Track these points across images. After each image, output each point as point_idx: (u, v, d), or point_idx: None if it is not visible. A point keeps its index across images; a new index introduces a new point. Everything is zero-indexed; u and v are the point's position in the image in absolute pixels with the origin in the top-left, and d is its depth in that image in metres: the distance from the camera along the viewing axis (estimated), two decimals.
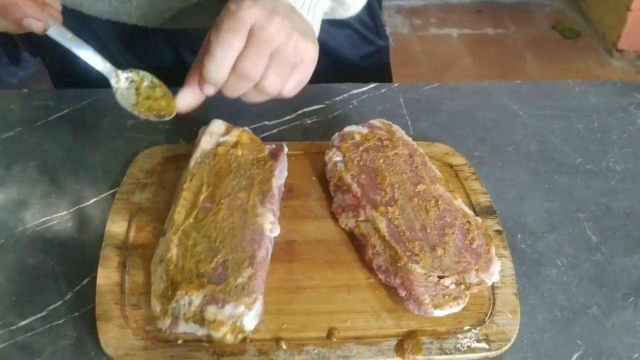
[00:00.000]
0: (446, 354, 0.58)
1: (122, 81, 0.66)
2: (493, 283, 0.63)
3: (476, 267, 0.61)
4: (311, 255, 0.65)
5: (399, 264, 0.60)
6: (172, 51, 0.91)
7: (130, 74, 0.66)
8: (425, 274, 0.60)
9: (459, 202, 0.66)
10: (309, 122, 0.82)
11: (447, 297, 0.59)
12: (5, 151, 0.76)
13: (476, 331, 0.60)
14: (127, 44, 0.89)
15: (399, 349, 0.58)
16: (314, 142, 0.78)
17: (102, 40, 0.85)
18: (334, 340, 0.59)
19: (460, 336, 0.59)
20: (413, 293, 0.59)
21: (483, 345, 0.59)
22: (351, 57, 0.96)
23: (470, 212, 0.66)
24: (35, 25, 0.60)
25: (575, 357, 0.60)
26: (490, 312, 0.61)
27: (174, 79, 0.68)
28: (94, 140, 0.78)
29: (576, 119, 0.85)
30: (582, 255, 0.68)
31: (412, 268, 0.60)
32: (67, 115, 0.82)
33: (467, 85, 0.90)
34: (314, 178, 0.74)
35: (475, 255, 0.62)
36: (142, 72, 0.67)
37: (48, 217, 0.69)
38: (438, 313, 0.58)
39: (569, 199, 0.74)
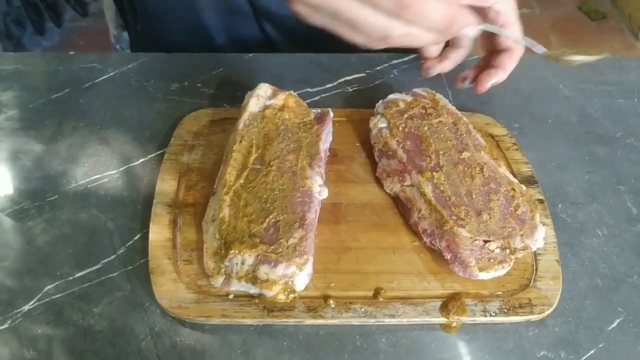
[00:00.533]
0: (490, 315, 0.60)
1: None
2: (536, 250, 0.64)
3: (521, 233, 0.62)
4: (357, 218, 0.67)
5: (445, 228, 0.61)
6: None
7: None
8: (471, 237, 0.61)
9: (504, 170, 0.67)
10: (350, 90, 0.83)
11: (492, 260, 0.60)
12: (55, 111, 0.78)
13: (519, 295, 0.61)
14: None
15: (444, 309, 0.60)
16: (357, 109, 0.79)
17: None
18: (381, 299, 0.60)
19: (503, 299, 0.61)
20: (459, 256, 0.60)
21: (526, 309, 0.60)
22: None
23: (514, 180, 0.67)
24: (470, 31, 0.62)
25: (616, 322, 0.61)
26: (533, 277, 0.63)
27: None
28: (141, 103, 0.80)
29: (617, 94, 0.85)
30: (623, 225, 0.69)
31: (458, 232, 0.61)
32: (114, 78, 0.83)
33: None
34: (357, 144, 0.75)
35: (520, 221, 0.63)
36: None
37: (99, 175, 0.71)
38: (483, 276, 0.60)
39: (609, 170, 0.75)
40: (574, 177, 0.74)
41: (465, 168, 0.66)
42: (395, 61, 0.88)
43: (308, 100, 0.81)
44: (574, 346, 0.59)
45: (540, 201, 0.69)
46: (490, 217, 0.62)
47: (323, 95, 0.83)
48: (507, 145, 0.75)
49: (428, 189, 0.64)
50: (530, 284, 0.62)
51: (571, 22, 2.96)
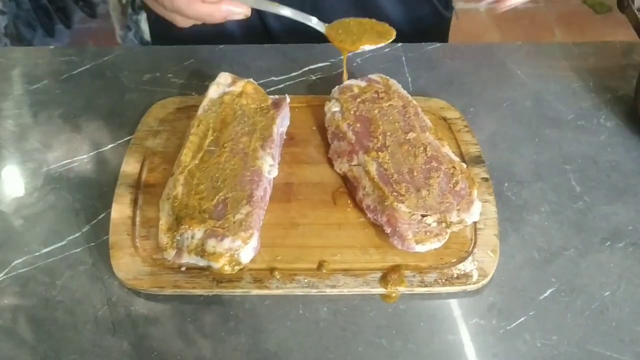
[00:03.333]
0: (427, 286, 0.63)
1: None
2: (476, 225, 0.67)
3: (458, 208, 0.65)
4: (307, 196, 0.71)
5: (386, 203, 0.65)
6: None
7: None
8: (409, 212, 0.64)
9: (446, 149, 0.71)
10: (314, 78, 0.87)
11: (428, 233, 0.64)
12: (33, 101, 0.83)
13: (457, 267, 0.64)
14: None
15: (383, 280, 0.63)
16: (317, 95, 0.82)
17: None
18: (324, 271, 0.64)
19: (441, 271, 0.64)
20: (397, 229, 0.64)
21: (462, 279, 0.63)
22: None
23: (456, 159, 0.70)
24: (239, 17, 0.64)
25: (548, 292, 0.64)
26: (471, 250, 0.66)
27: None
28: (114, 93, 0.84)
29: (573, 79, 0.88)
30: (565, 202, 0.72)
31: (398, 207, 0.64)
32: (90, 70, 0.88)
33: (469, 46, 0.94)
34: (314, 128, 0.79)
35: (458, 197, 0.66)
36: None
37: (69, 160, 0.76)
38: (419, 248, 0.63)
39: (557, 151, 0.77)
40: (522, 158, 0.77)
41: (410, 148, 0.70)
42: (358, 50, 0.91)
43: (272, 88, 0.85)
44: (506, 314, 0.62)
45: (485, 179, 0.72)
46: (429, 193, 0.66)
47: (287, 83, 0.87)
48: (458, 127, 0.78)
49: (372, 168, 0.68)
50: (468, 257, 0.65)
51: (576, 15, 2.95)
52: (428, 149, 0.69)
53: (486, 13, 2.92)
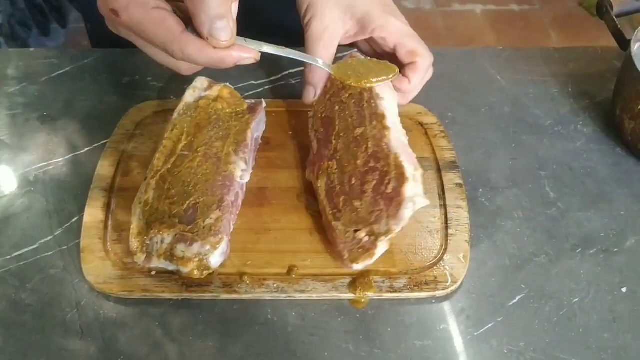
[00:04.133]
0: (396, 292, 0.63)
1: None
2: (447, 231, 0.67)
3: (387, 214, 0.60)
4: (280, 201, 0.71)
5: (328, 222, 0.65)
6: None
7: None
8: (345, 230, 0.63)
9: (388, 139, 0.63)
10: (293, 82, 0.87)
11: (361, 250, 0.62)
12: (10, 103, 0.83)
13: (426, 273, 0.64)
14: None
15: (352, 285, 0.63)
16: (295, 100, 0.82)
17: None
18: (293, 276, 0.64)
19: (410, 277, 0.64)
20: (337, 250, 0.63)
21: (431, 285, 0.63)
22: None
23: (396, 145, 0.63)
24: (250, 62, 0.61)
25: (517, 298, 0.64)
26: (441, 256, 0.66)
27: None
28: (92, 95, 0.85)
29: (552, 84, 0.88)
30: (538, 209, 0.72)
31: (335, 226, 0.64)
32: (70, 72, 0.88)
33: (451, 50, 0.94)
34: (290, 132, 0.79)
35: (388, 200, 0.60)
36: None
37: (45, 163, 0.76)
38: (357, 267, 0.62)
39: (533, 157, 0.78)
40: (498, 164, 0.77)
41: (356, 147, 0.65)
42: (339, 54, 0.91)
43: (251, 92, 0.86)
44: (474, 320, 0.62)
45: (459, 185, 0.72)
46: (361, 204, 0.62)
47: (266, 87, 0.87)
48: (434, 132, 0.78)
49: (323, 183, 0.67)
50: (438, 263, 0.65)
51: (571, 18, 2.96)
52: (370, 146, 0.64)
53: (482, 15, 2.93)
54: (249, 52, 0.59)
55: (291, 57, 0.65)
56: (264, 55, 0.60)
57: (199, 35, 0.56)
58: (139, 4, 0.55)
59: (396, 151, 0.62)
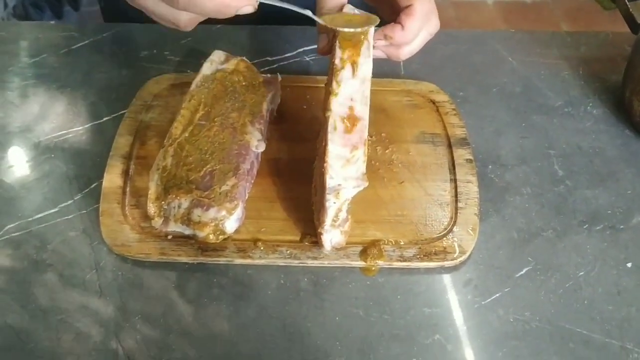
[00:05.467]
0: (405, 261, 0.65)
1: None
2: (457, 204, 0.69)
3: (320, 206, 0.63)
4: (294, 172, 0.72)
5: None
6: None
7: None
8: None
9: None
10: (307, 59, 0.88)
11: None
12: (31, 74, 0.85)
13: (435, 244, 0.66)
14: None
15: (363, 254, 0.65)
16: (311, 76, 0.84)
17: None
18: (306, 243, 0.66)
19: (420, 247, 0.66)
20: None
21: (440, 256, 0.65)
22: None
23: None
24: (250, 10, 0.61)
25: (524, 270, 0.65)
26: (451, 227, 0.67)
27: None
28: (111, 68, 0.86)
29: (563, 67, 0.89)
30: (547, 186, 0.73)
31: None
32: (89, 45, 0.90)
33: (463, 32, 0.95)
34: (304, 107, 0.80)
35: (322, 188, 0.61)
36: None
37: (65, 131, 0.78)
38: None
39: (543, 136, 0.79)
40: (508, 142, 0.78)
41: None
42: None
43: (266, 68, 0.87)
44: (481, 289, 0.64)
45: (469, 161, 0.74)
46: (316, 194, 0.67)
47: (281, 63, 0.88)
48: (446, 110, 0.80)
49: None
50: (448, 234, 0.67)
51: (583, 11, 2.94)
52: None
53: (493, 6, 2.92)
54: (248, 0, 0.61)
55: (284, 6, 0.66)
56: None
57: None
58: None
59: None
